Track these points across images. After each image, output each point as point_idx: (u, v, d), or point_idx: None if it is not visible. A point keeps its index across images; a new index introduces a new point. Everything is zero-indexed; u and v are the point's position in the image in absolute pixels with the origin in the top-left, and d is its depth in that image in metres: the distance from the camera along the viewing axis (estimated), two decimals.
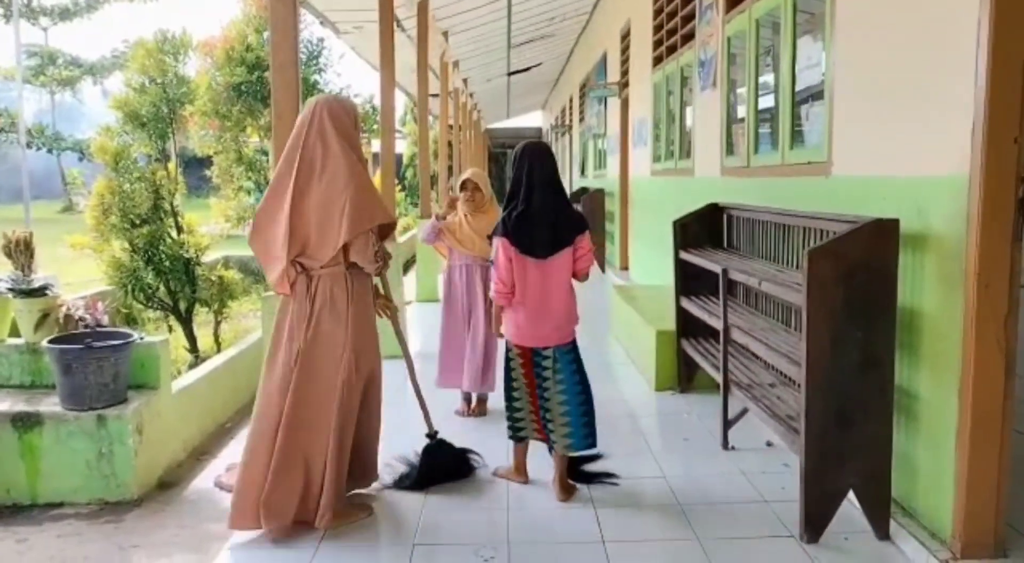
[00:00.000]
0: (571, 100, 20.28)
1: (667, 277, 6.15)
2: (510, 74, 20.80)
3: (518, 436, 3.99)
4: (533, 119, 38.25)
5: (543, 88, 27.08)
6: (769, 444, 4.56)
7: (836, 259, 3.22)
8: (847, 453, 3.29)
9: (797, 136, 4.80)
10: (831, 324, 3.23)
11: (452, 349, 5.22)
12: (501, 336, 3.99)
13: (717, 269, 4.62)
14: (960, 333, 2.99)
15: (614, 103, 12.34)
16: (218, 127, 9.38)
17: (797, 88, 4.74)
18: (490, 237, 3.96)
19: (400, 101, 22.91)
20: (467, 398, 5.38)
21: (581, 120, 17.50)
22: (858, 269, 3.22)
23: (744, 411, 4.53)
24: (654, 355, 5.82)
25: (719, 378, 4.70)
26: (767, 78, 5.46)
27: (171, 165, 7.33)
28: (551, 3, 13.48)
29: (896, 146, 3.47)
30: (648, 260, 9.74)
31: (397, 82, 17.39)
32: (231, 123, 9.35)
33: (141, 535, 3.77)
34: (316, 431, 3.46)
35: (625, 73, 11.38)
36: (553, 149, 28.75)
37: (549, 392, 3.86)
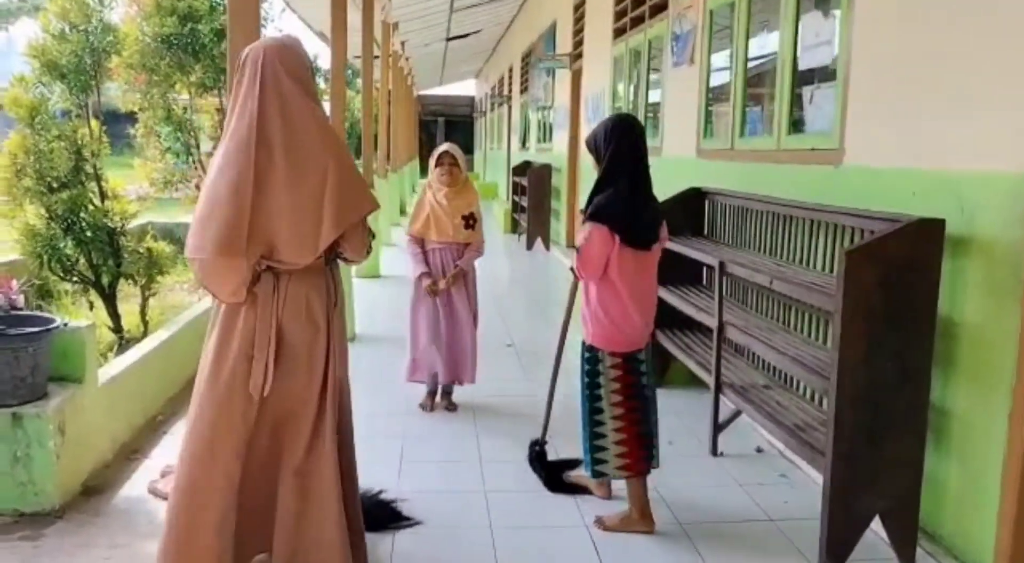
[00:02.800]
0: (511, 70, 19.77)
1: None
2: (449, 39, 20.14)
3: (598, 471, 3.36)
4: (466, 87, 37.56)
5: (479, 57, 26.44)
6: (759, 450, 4.28)
7: (876, 261, 2.89)
8: (877, 474, 3.00)
9: (797, 120, 4.48)
10: (868, 332, 2.91)
11: (426, 340, 4.75)
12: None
13: (710, 261, 4.28)
14: (1015, 348, 2.71)
15: (563, 75, 11.92)
16: (144, 82, 8.60)
17: (800, 68, 4.41)
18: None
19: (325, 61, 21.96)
20: (433, 392, 4.95)
21: (523, 91, 17.02)
22: (899, 272, 2.91)
23: (737, 414, 4.22)
24: None
25: (704, 375, 4.39)
26: (760, 56, 5.12)
27: (94, 123, 6.58)
28: None
29: (934, 137, 3.16)
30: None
31: (328, 38, 16.63)
32: (159, 78, 8.56)
33: (66, 557, 3.24)
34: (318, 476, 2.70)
35: (578, 45, 10.97)
36: (489, 120, 28.28)
37: (650, 401, 3.38)
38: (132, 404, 4.55)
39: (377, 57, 14.46)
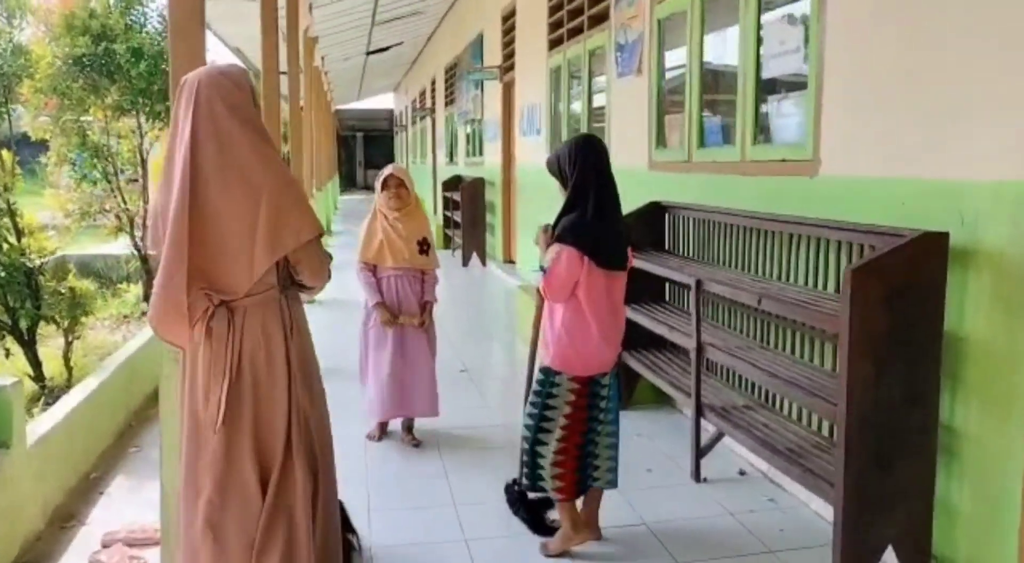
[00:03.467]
0: (433, 82, 19.51)
1: None
2: (369, 53, 19.77)
3: (539, 487, 3.29)
4: (385, 101, 37.07)
5: (398, 70, 26.10)
6: (742, 473, 4.12)
7: (880, 278, 2.75)
8: (888, 500, 2.85)
9: (762, 130, 4.36)
10: (874, 352, 2.77)
11: (387, 375, 4.45)
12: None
13: (685, 280, 4.11)
14: None
15: (494, 87, 11.73)
16: (56, 106, 8.01)
17: (763, 77, 4.29)
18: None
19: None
20: (384, 423, 4.66)
21: (449, 104, 16.78)
22: (903, 289, 2.78)
23: (719, 437, 4.06)
24: None
25: (681, 398, 4.22)
26: (717, 65, 5.01)
27: (6, 153, 6.02)
28: None
29: (927, 144, 3.04)
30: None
31: (248, 58, 16.06)
32: (72, 102, 7.99)
33: None
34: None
35: (509, 56, 10.79)
36: (412, 134, 27.94)
37: (602, 425, 3.27)
38: (63, 464, 4.14)
39: (283, 73, 14.04)
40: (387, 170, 4.46)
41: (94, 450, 4.60)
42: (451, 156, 16.85)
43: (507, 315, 8.54)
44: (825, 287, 3.54)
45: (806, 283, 3.69)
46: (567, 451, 3.22)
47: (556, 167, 3.21)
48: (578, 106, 7.79)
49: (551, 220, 3.22)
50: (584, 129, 7.48)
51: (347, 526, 3.23)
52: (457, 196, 12.49)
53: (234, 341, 2.48)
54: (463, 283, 10.68)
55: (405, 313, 4.41)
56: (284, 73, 9.93)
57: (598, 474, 3.30)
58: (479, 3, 12.89)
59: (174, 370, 3.14)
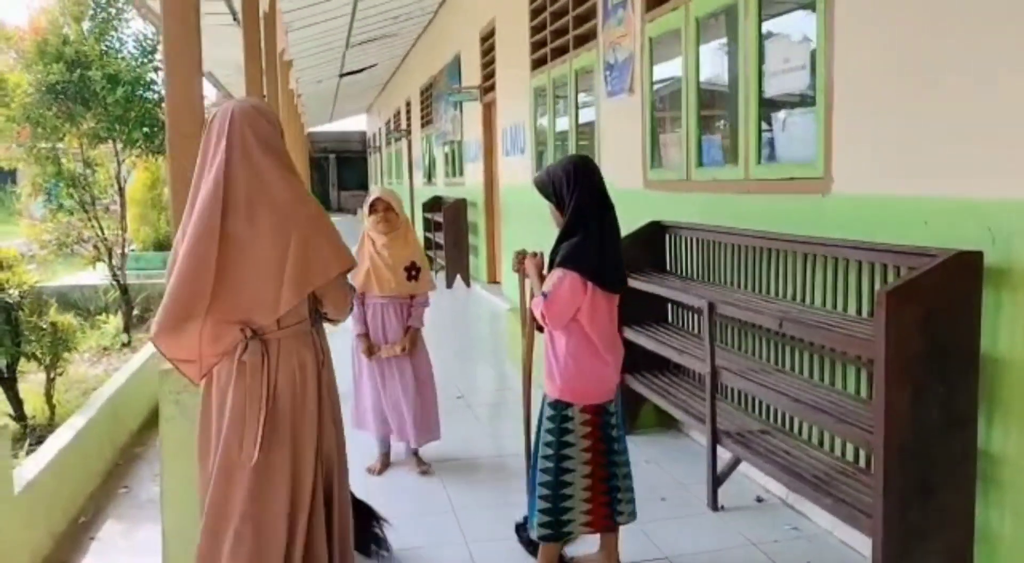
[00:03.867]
0: (408, 104, 19.43)
1: None
2: (342, 75, 19.64)
3: (563, 532, 3.09)
4: (357, 123, 36.93)
5: (371, 91, 25.98)
6: (759, 500, 4.01)
7: (917, 300, 2.67)
8: (928, 530, 2.76)
9: (767, 148, 4.29)
10: (911, 378, 2.68)
11: (373, 398, 4.40)
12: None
13: (696, 303, 4.02)
14: None
15: (473, 108, 11.66)
16: (29, 135, 7.78)
17: (766, 94, 4.23)
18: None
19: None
20: (386, 453, 4.53)
21: (425, 124, 16.68)
22: (938, 311, 2.70)
23: (736, 464, 3.95)
24: None
25: (694, 423, 4.13)
26: (714, 83, 4.95)
27: None
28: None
29: (951, 160, 2.98)
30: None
31: (220, 81, 15.87)
32: (46, 130, 7.77)
33: None
34: None
35: (488, 77, 10.72)
36: (386, 155, 27.79)
37: (617, 454, 3.14)
38: (52, 509, 3.95)
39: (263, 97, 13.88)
40: (374, 193, 4.34)
41: (82, 492, 4.41)
42: (429, 177, 16.73)
43: (496, 337, 8.41)
44: (846, 308, 3.46)
45: (823, 304, 3.61)
46: (594, 487, 3.08)
47: (551, 189, 3.10)
48: (564, 125, 7.71)
49: (540, 241, 3.14)
50: (572, 148, 7.41)
51: (373, 518, 3.41)
52: (439, 217, 12.38)
53: (270, 374, 2.47)
54: (448, 305, 10.54)
55: (390, 342, 4.32)
56: (264, 97, 9.81)
57: (621, 508, 3.17)
58: (456, 24, 12.84)
59: (175, 412, 3.00)
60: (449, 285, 11.80)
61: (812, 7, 3.72)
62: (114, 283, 8.61)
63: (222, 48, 10.09)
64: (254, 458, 2.41)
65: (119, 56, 8.36)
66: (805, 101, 3.90)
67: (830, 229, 3.63)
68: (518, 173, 9.36)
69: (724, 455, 3.92)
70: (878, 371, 2.69)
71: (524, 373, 3.49)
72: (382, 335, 4.32)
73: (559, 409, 3.07)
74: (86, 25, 8.02)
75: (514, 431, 4.57)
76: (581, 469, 3.06)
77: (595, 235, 2.99)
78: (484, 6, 10.68)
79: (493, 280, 11.39)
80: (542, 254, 3.28)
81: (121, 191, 8.65)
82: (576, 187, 3.02)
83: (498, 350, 7.71)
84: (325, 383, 2.60)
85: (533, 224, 8.32)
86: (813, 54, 3.75)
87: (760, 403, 4.12)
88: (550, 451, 3.07)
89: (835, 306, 3.53)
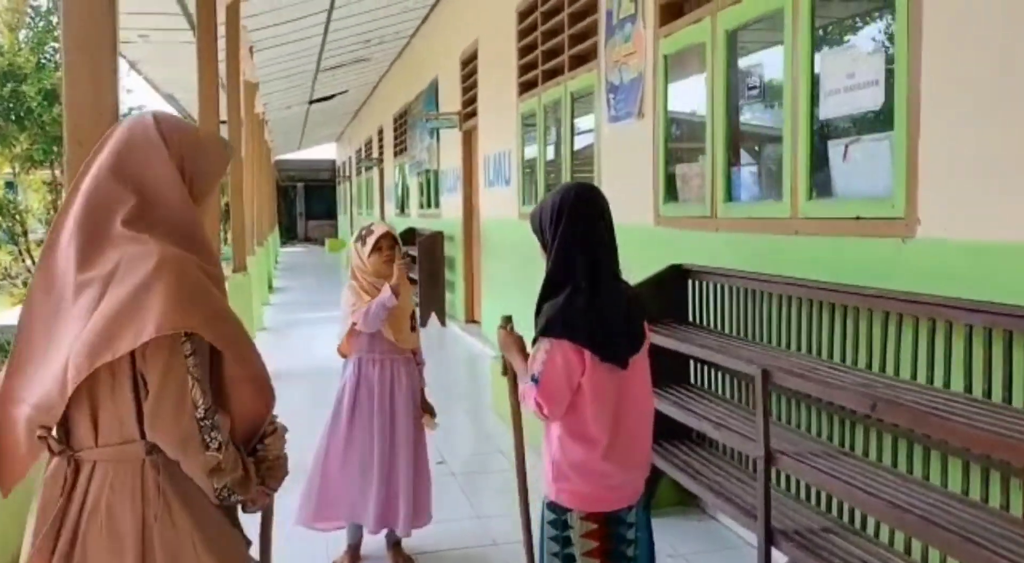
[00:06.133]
0: (380, 131, 18.73)
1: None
2: (312, 102, 18.91)
3: None
4: (326, 151, 36.13)
5: (342, 119, 25.29)
6: None
7: None
8: None
9: (821, 181, 3.59)
10: None
11: (353, 475, 3.57)
12: None
13: (748, 370, 3.26)
14: None
15: (452, 135, 10.95)
16: None
17: (821, 117, 3.54)
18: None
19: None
20: (356, 546, 3.73)
21: (398, 153, 15.96)
22: None
23: None
24: None
25: (728, 508, 3.38)
26: (747, 104, 4.27)
27: None
28: (372, 22, 11.93)
29: None
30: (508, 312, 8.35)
31: (182, 105, 15.03)
32: None
33: None
34: None
35: (470, 102, 10.03)
36: (356, 184, 27.19)
37: None
38: None
39: (223, 122, 13.12)
40: (377, 230, 3.61)
41: None
42: (402, 208, 15.98)
43: (477, 384, 7.62)
44: (948, 384, 2.74)
45: (914, 376, 2.89)
46: None
47: (536, 225, 2.39)
48: (557, 153, 7.01)
49: (528, 277, 2.37)
50: (565, 178, 6.69)
51: None
52: (413, 250, 11.59)
53: (70, 511, 1.63)
54: (423, 346, 9.74)
55: (401, 406, 3.63)
56: (224, 122, 9.04)
57: None
58: (433, 48, 12.19)
59: None
60: (423, 324, 10.98)
61: (889, 5, 3.04)
62: None
63: (184, 68, 9.33)
64: None
65: (58, 69, 7.58)
66: (877, 123, 3.21)
67: (913, 281, 2.93)
68: (502, 205, 8.63)
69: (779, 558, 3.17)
70: None
71: (517, 457, 2.71)
72: (388, 397, 3.60)
73: (557, 514, 2.34)
74: (22, 34, 7.24)
75: (509, 509, 3.81)
76: None
77: (585, 287, 2.24)
78: (466, 27, 10.03)
79: (471, 319, 10.61)
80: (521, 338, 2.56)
81: None
82: (560, 224, 2.28)
83: (480, 401, 6.92)
84: (162, 549, 1.63)
85: (518, 261, 7.59)
86: (890, 64, 3.06)
87: (815, 492, 3.38)
88: (557, 562, 2.36)
89: (931, 380, 2.81)
